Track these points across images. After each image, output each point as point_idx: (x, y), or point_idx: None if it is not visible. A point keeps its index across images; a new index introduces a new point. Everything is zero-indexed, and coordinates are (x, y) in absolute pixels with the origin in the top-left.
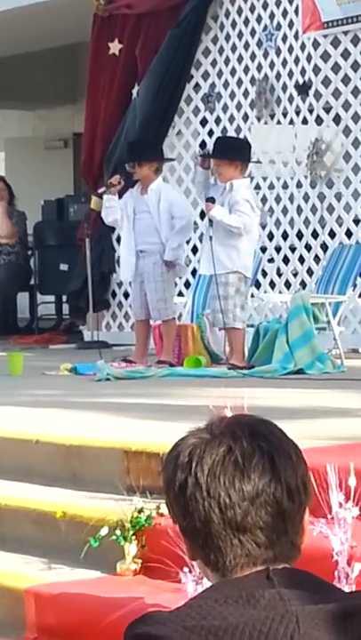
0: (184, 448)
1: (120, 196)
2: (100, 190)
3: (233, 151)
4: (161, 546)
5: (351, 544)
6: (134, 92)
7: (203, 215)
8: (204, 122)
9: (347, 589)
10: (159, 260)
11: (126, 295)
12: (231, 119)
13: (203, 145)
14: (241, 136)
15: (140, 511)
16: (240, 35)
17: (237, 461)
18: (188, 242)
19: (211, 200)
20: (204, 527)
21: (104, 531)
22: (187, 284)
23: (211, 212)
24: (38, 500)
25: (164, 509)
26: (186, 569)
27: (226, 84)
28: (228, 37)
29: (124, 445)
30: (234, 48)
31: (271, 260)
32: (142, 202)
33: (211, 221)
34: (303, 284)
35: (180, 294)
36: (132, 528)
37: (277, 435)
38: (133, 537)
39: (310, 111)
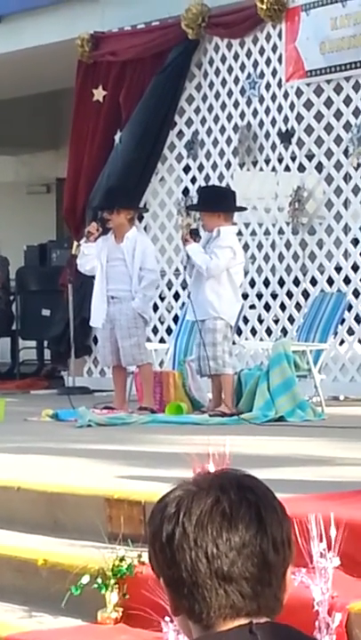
0: (171, 500)
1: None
2: (81, 242)
3: (217, 201)
4: (142, 594)
5: (332, 594)
6: (117, 138)
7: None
8: (187, 169)
9: None
10: (131, 307)
11: None
12: (214, 166)
13: (185, 192)
14: (224, 183)
15: (122, 559)
16: (223, 82)
17: (225, 512)
18: (169, 288)
19: (194, 232)
20: (191, 577)
21: (85, 579)
22: (168, 331)
23: (187, 247)
24: (19, 547)
25: (145, 558)
26: (167, 618)
27: (209, 131)
28: (211, 85)
29: (105, 493)
30: (217, 95)
31: (253, 307)
32: (117, 250)
33: (192, 267)
34: (284, 332)
35: (162, 341)
36: (113, 576)
37: (263, 489)
38: (115, 585)
39: (293, 159)
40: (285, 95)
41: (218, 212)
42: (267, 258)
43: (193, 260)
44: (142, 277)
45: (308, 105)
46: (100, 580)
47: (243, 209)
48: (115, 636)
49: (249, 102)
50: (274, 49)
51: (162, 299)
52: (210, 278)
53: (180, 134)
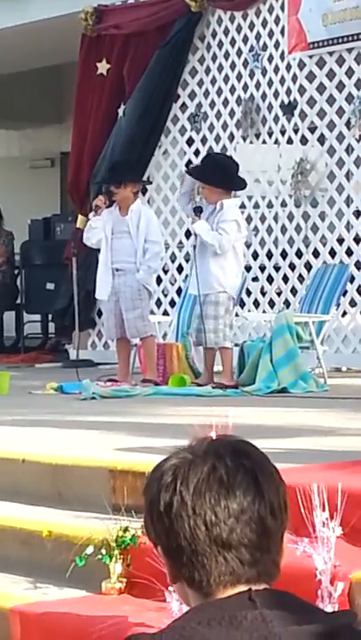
0: (167, 468)
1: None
2: (90, 215)
3: (219, 176)
4: (146, 565)
5: (334, 563)
6: (120, 111)
7: (189, 234)
8: (190, 141)
9: (330, 609)
10: (136, 279)
11: None
12: (217, 139)
13: (189, 164)
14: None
15: (126, 530)
16: (227, 55)
17: (222, 479)
18: (173, 261)
19: (198, 210)
20: (190, 545)
21: (89, 550)
22: (172, 303)
23: (193, 225)
24: (24, 519)
25: None
26: (171, 588)
27: (212, 104)
28: (214, 58)
29: (109, 465)
30: (220, 68)
31: (255, 279)
32: (122, 222)
33: (195, 236)
34: (287, 304)
35: (166, 313)
36: (117, 547)
37: (259, 454)
38: (119, 556)
39: (295, 131)
40: (288, 67)
41: (219, 186)
42: (270, 230)
43: (203, 239)
44: (147, 249)
45: (311, 77)
46: (104, 551)
47: (243, 186)
48: (119, 606)
49: (252, 75)
50: (276, 21)
51: (165, 271)
52: (213, 252)
53: (184, 107)
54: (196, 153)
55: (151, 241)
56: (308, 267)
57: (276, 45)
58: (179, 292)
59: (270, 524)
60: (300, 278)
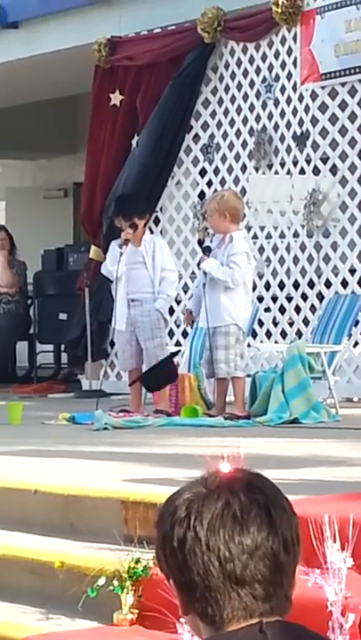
0: (181, 503)
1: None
2: (117, 247)
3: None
4: (158, 596)
5: (345, 594)
6: (134, 142)
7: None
8: (203, 172)
9: None
10: (154, 308)
11: None
12: (230, 169)
13: (202, 196)
14: (240, 186)
15: (138, 562)
16: (239, 86)
17: (236, 515)
18: (185, 291)
19: (207, 250)
20: (203, 581)
21: (101, 581)
22: (184, 334)
23: (202, 264)
24: (36, 549)
25: None
26: (183, 620)
27: (225, 135)
28: (227, 88)
29: (121, 496)
30: (233, 99)
31: (268, 310)
32: (136, 253)
33: (205, 273)
34: (299, 334)
35: (178, 344)
36: (129, 578)
37: (272, 488)
38: (131, 587)
39: (308, 162)
40: (300, 98)
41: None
42: (282, 260)
43: (214, 276)
44: (163, 278)
45: (323, 108)
46: (115, 582)
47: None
48: (130, 637)
49: (264, 106)
50: (289, 52)
51: (177, 302)
52: (222, 285)
53: (197, 138)
54: (209, 184)
55: (167, 269)
56: (321, 297)
57: (289, 76)
58: (191, 322)
59: (283, 558)
60: (313, 308)
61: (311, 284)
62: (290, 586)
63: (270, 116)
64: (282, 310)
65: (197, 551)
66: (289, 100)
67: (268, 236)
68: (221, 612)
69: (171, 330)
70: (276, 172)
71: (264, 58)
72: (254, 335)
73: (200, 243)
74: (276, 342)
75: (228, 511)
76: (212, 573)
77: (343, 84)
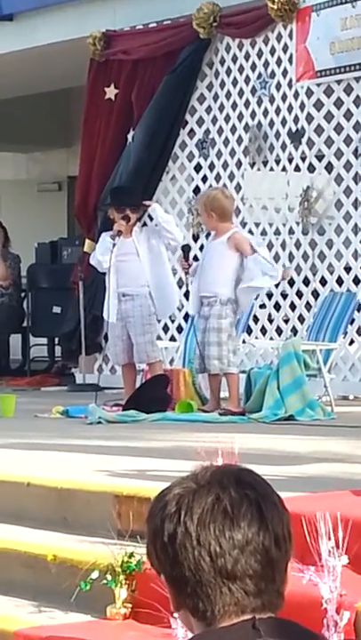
0: (171, 498)
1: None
2: (109, 239)
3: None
4: (151, 590)
5: (340, 592)
6: (129, 136)
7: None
8: (198, 167)
9: (335, 638)
10: (146, 303)
11: None
12: (225, 165)
13: (196, 191)
14: (234, 183)
15: (131, 556)
16: (235, 82)
17: (226, 510)
18: (180, 286)
19: (186, 248)
20: (194, 576)
21: (95, 574)
22: (179, 329)
23: (261, 284)
24: (29, 542)
25: None
26: (176, 614)
27: (220, 131)
28: (222, 84)
29: (115, 490)
30: (228, 95)
31: (263, 307)
32: (128, 245)
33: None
34: (294, 331)
35: (173, 339)
36: (122, 572)
37: (262, 484)
38: (124, 581)
39: (303, 159)
40: (296, 95)
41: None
42: (277, 257)
43: (267, 286)
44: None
45: (319, 105)
46: (109, 576)
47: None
48: (124, 631)
49: (260, 102)
50: (285, 49)
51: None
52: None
53: (192, 133)
54: (204, 179)
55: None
56: (316, 294)
57: (284, 73)
58: (186, 317)
59: (275, 554)
60: (308, 306)
61: (306, 282)
62: (282, 582)
63: (266, 113)
64: (277, 307)
65: (188, 546)
66: (284, 97)
67: (264, 233)
68: (213, 607)
69: (165, 325)
70: (272, 169)
71: (260, 54)
72: (249, 331)
73: (195, 238)
74: (271, 339)
75: (219, 506)
76: (203, 568)
77: (339, 82)
